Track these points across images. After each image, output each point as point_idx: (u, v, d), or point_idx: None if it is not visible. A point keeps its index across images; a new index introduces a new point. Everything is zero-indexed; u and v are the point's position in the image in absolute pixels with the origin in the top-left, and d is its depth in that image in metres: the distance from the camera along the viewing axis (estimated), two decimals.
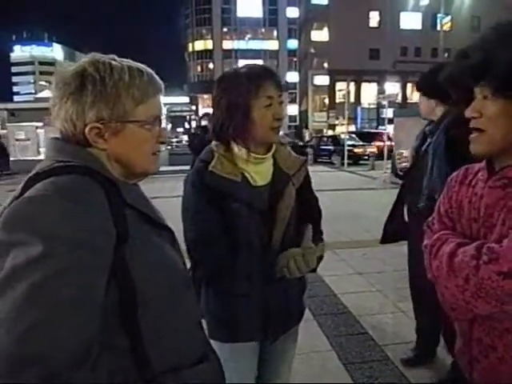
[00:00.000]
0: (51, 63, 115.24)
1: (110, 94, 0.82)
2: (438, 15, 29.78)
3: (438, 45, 25.66)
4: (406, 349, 2.74)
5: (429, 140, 2.38)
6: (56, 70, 0.87)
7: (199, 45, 52.94)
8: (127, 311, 0.76)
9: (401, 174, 2.60)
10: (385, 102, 16.65)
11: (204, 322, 1.21)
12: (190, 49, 53.73)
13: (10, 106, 22.42)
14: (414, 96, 38.70)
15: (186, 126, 38.38)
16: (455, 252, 0.98)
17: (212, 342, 1.13)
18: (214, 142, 1.42)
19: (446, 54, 27.71)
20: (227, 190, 1.33)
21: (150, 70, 0.90)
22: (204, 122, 9.53)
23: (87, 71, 0.82)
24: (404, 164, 2.53)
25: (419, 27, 38.42)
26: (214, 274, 1.39)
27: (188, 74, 51.91)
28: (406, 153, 2.53)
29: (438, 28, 28.85)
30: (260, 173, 1.40)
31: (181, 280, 0.89)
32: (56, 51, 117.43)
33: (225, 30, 52.53)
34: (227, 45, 52.39)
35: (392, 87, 32.51)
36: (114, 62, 0.85)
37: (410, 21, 38.30)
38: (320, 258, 1.44)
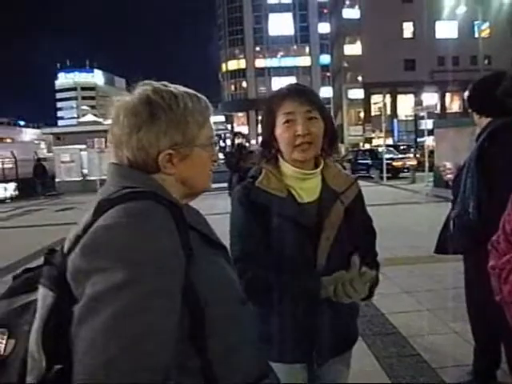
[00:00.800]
0: (92, 88, 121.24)
1: (179, 121, 0.85)
2: (476, 22, 29.06)
3: (476, 52, 24.95)
4: (463, 372, 2.58)
5: None
6: (115, 101, 0.90)
7: (232, 64, 54.09)
8: (197, 331, 0.76)
9: (446, 178, 2.58)
10: (423, 114, 16.29)
11: None
12: (224, 69, 54.98)
13: (55, 130, 23.72)
14: (454, 106, 37.75)
15: (221, 144, 39.05)
16: None
17: None
18: (260, 158, 1.45)
19: (487, 61, 26.91)
20: (272, 206, 1.33)
21: (202, 95, 0.94)
22: (238, 140, 9.90)
23: (153, 100, 0.85)
24: (449, 176, 2.49)
25: (456, 36, 37.57)
26: (251, 288, 1.36)
27: (222, 94, 53.03)
28: (449, 165, 2.51)
29: (476, 35, 28.14)
30: (307, 189, 1.39)
31: (238, 297, 0.90)
32: (97, 77, 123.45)
33: (257, 48, 53.45)
34: (260, 63, 53.21)
35: (430, 98, 31.78)
36: (174, 90, 0.88)
37: (446, 30, 37.56)
38: (375, 284, 1.37)
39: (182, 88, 0.91)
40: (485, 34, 27.87)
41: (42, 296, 0.71)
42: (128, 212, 0.74)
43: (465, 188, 2.19)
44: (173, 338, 0.70)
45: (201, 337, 0.77)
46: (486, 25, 29.71)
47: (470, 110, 2.40)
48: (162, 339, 0.69)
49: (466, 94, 2.42)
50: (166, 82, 0.91)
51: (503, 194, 1.16)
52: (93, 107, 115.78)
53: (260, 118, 1.44)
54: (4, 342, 0.71)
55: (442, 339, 3.12)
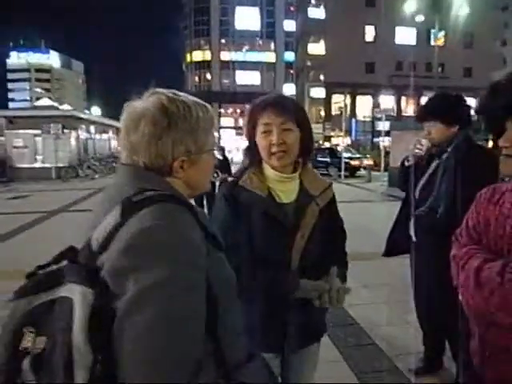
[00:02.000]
0: (47, 70, 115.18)
1: (192, 130, 0.93)
2: (432, 30, 30.32)
3: (432, 59, 26.09)
4: (415, 359, 2.82)
5: (437, 161, 2.49)
6: (127, 109, 0.94)
7: (197, 55, 53.31)
8: (211, 320, 0.83)
9: (407, 163, 2.64)
10: (380, 115, 16.91)
11: None
12: (189, 59, 54.10)
13: (8, 113, 22.42)
14: (409, 109, 39.26)
15: None
16: (482, 267, 1.09)
17: None
18: (246, 161, 1.56)
19: (440, 69, 28.17)
20: (253, 203, 1.44)
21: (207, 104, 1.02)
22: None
23: (170, 110, 0.91)
24: (418, 151, 2.59)
25: (414, 42, 39.10)
26: None
27: (186, 84, 52.23)
28: (424, 142, 2.58)
29: (432, 43, 29.42)
30: (285, 191, 1.51)
31: (236, 290, 1.00)
32: (53, 59, 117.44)
33: (223, 41, 52.97)
34: (225, 56, 52.76)
35: (387, 100, 32.96)
36: (186, 100, 0.96)
37: (406, 36, 38.96)
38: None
39: (191, 97, 0.98)
40: (440, 42, 29.17)
41: (80, 293, 0.73)
42: (162, 214, 0.81)
43: (438, 190, 2.36)
44: (202, 328, 0.79)
45: (214, 325, 0.84)
46: (442, 33, 31.13)
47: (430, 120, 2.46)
48: (200, 331, 0.78)
49: (431, 102, 2.52)
50: (175, 91, 0.97)
51: (472, 198, 1.32)
52: (47, 90, 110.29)
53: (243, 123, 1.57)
54: (31, 339, 0.73)
55: (396, 330, 3.37)
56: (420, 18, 29.14)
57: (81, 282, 0.75)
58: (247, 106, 1.57)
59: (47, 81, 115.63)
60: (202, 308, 0.80)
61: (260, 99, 1.52)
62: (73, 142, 21.20)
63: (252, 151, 1.53)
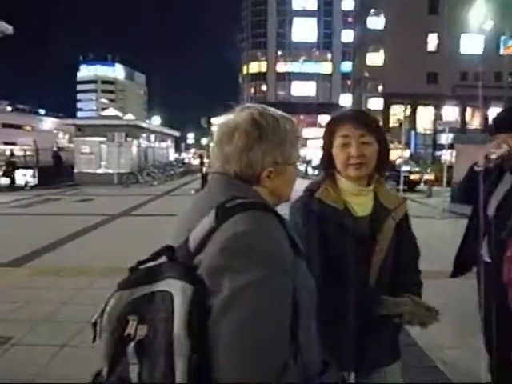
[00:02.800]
0: (112, 82, 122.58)
1: (280, 142, 0.99)
2: (502, 38, 28.74)
3: (501, 68, 24.68)
4: None
5: (510, 176, 2.33)
6: (220, 123, 1.03)
7: (253, 67, 54.27)
8: (293, 324, 0.86)
9: (477, 168, 2.35)
10: (443, 127, 16.19)
11: None
12: (245, 71, 55.20)
13: (77, 121, 24.08)
14: (474, 122, 37.37)
15: None
16: None
17: None
18: (322, 173, 1.58)
19: (511, 78, 26.56)
20: (329, 216, 1.43)
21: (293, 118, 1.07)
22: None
23: (261, 123, 0.97)
24: (494, 156, 2.26)
25: (480, 51, 37.21)
26: None
27: (241, 96, 53.29)
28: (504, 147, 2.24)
29: (502, 51, 27.81)
30: (361, 204, 1.49)
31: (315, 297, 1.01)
32: (118, 71, 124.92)
33: (279, 52, 53.51)
34: (281, 67, 53.25)
35: (450, 112, 31.54)
36: (275, 114, 1.01)
37: (471, 44, 37.23)
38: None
39: (279, 112, 1.04)
40: (510, 50, 27.53)
41: (180, 287, 0.79)
42: (254, 220, 0.86)
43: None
44: (288, 329, 0.83)
45: (296, 326, 0.87)
46: None
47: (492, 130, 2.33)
48: (287, 334, 0.82)
49: (502, 113, 2.42)
50: (265, 106, 1.04)
51: None
52: (112, 101, 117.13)
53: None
54: (134, 326, 0.80)
55: (459, 353, 3.18)
56: (488, 26, 27.73)
57: (180, 277, 0.80)
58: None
59: (112, 92, 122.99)
60: (289, 311, 0.83)
61: (338, 112, 1.56)
62: (134, 149, 22.30)
63: (327, 163, 1.54)
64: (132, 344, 0.79)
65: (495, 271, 2.36)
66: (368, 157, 1.45)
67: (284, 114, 1.04)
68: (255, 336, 0.76)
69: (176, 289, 0.79)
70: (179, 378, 0.74)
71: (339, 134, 1.47)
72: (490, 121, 2.55)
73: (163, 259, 0.88)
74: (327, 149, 1.52)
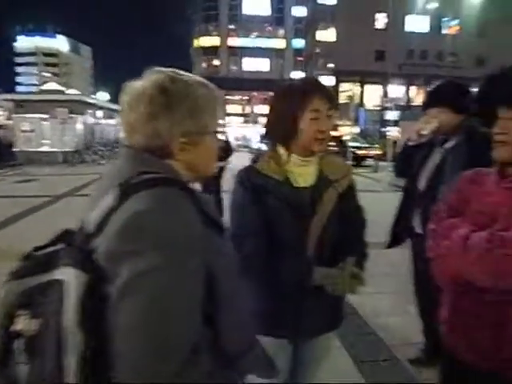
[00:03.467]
0: (54, 55, 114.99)
1: (194, 110, 0.89)
2: (445, 19, 29.79)
3: (443, 48, 25.64)
4: (415, 349, 2.82)
5: (442, 150, 2.44)
6: (127, 88, 0.91)
7: (205, 41, 52.84)
8: (209, 305, 0.82)
9: (411, 142, 2.52)
10: (389, 105, 16.70)
11: None
12: (196, 44, 53.65)
13: (16, 97, 22.50)
14: (418, 99, 38.78)
15: None
16: (469, 235, 1.19)
17: None
18: (263, 144, 1.55)
19: (452, 58, 27.72)
20: (269, 188, 1.42)
21: (213, 85, 0.97)
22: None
23: (170, 89, 0.87)
24: (423, 132, 2.44)
25: (426, 30, 38.39)
26: (246, 266, 1.40)
27: (193, 70, 51.93)
28: (432, 123, 2.40)
29: (444, 31, 28.91)
30: (303, 175, 1.48)
31: (238, 273, 0.97)
32: (60, 43, 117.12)
33: (231, 27, 52.41)
34: (233, 42, 52.25)
35: (396, 90, 32.56)
36: (188, 79, 0.91)
37: (417, 23, 38.27)
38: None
39: (194, 77, 0.94)
40: (453, 30, 28.64)
41: (74, 276, 0.72)
42: (158, 197, 0.78)
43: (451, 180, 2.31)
44: (198, 316, 0.78)
45: (212, 310, 0.83)
46: (455, 22, 30.57)
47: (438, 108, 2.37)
48: (195, 317, 0.77)
49: (442, 88, 2.44)
50: (178, 70, 0.93)
51: None
52: (55, 75, 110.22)
53: (274, 106, 1.49)
54: (26, 321, 0.73)
55: (397, 320, 3.37)
56: (433, 5, 28.58)
57: (75, 265, 0.74)
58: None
59: (55, 65, 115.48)
60: (198, 294, 0.78)
61: (307, 81, 1.50)
62: (79, 126, 21.24)
63: (281, 134, 1.46)
64: (20, 341, 0.71)
65: (423, 239, 2.50)
66: (329, 131, 1.45)
67: (202, 79, 0.95)
68: (155, 325, 0.70)
69: (69, 277, 0.72)
70: (71, 378, 0.68)
71: (310, 107, 1.40)
72: (427, 94, 2.60)
73: (62, 245, 0.81)
74: (289, 120, 1.42)
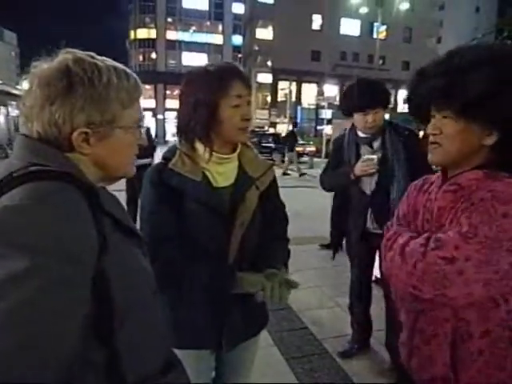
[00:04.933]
0: None
1: (100, 98, 0.79)
2: (375, 24, 31.27)
3: (374, 52, 26.92)
4: (344, 341, 2.91)
5: (366, 148, 2.51)
6: (33, 67, 0.80)
7: (142, 33, 51.10)
8: (104, 321, 0.73)
9: (353, 177, 2.47)
10: (324, 103, 17.25)
11: None
12: (132, 36, 51.73)
13: None
14: None
15: None
16: (408, 243, 1.10)
17: None
18: (177, 139, 1.36)
19: (381, 61, 29.19)
20: (185, 189, 1.28)
21: (133, 73, 0.87)
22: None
23: (73, 71, 0.77)
24: (372, 171, 2.41)
25: (358, 34, 40.11)
26: (161, 275, 1.23)
27: (129, 63, 50.01)
28: (375, 159, 2.40)
29: (375, 36, 30.34)
30: (222, 174, 1.35)
31: (151, 287, 0.88)
32: None
33: (169, 19, 51.13)
34: (171, 35, 51.02)
35: (331, 89, 33.71)
36: (99, 62, 0.81)
37: (350, 27, 39.86)
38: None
39: (110, 62, 0.84)
40: (382, 35, 30.18)
41: None
42: (36, 193, 0.68)
43: (390, 177, 2.38)
44: (79, 331, 0.66)
45: (108, 327, 0.73)
46: (384, 27, 32.21)
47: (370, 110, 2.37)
48: (69, 332, 0.65)
49: (376, 89, 2.43)
50: (92, 53, 0.83)
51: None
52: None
53: (188, 94, 1.30)
54: None
55: (327, 313, 3.46)
56: (364, 10, 29.90)
57: None
58: None
59: None
60: (77, 306, 0.67)
61: (224, 66, 1.30)
62: (1, 118, 19.61)
63: (191, 127, 1.29)
64: None
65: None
66: (251, 119, 1.31)
67: (120, 66, 0.84)
68: (13, 338, 0.58)
69: None
70: None
71: (232, 93, 1.25)
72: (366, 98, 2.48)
73: None
74: (207, 110, 1.25)
